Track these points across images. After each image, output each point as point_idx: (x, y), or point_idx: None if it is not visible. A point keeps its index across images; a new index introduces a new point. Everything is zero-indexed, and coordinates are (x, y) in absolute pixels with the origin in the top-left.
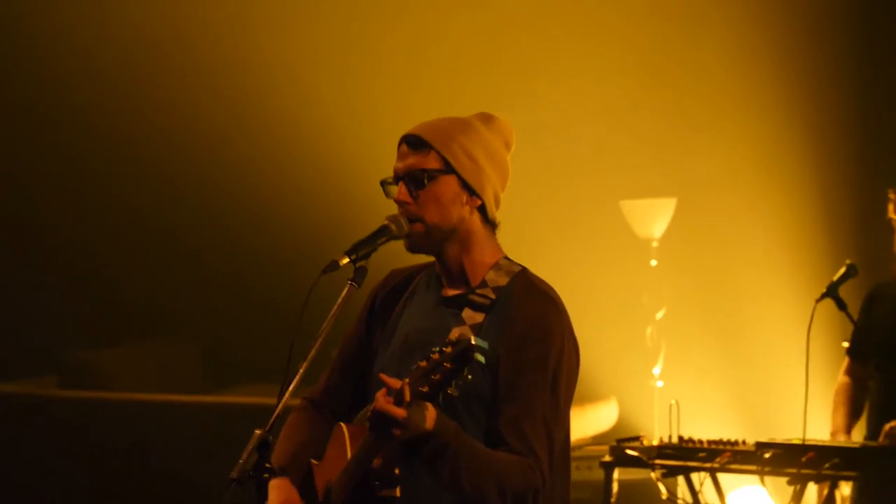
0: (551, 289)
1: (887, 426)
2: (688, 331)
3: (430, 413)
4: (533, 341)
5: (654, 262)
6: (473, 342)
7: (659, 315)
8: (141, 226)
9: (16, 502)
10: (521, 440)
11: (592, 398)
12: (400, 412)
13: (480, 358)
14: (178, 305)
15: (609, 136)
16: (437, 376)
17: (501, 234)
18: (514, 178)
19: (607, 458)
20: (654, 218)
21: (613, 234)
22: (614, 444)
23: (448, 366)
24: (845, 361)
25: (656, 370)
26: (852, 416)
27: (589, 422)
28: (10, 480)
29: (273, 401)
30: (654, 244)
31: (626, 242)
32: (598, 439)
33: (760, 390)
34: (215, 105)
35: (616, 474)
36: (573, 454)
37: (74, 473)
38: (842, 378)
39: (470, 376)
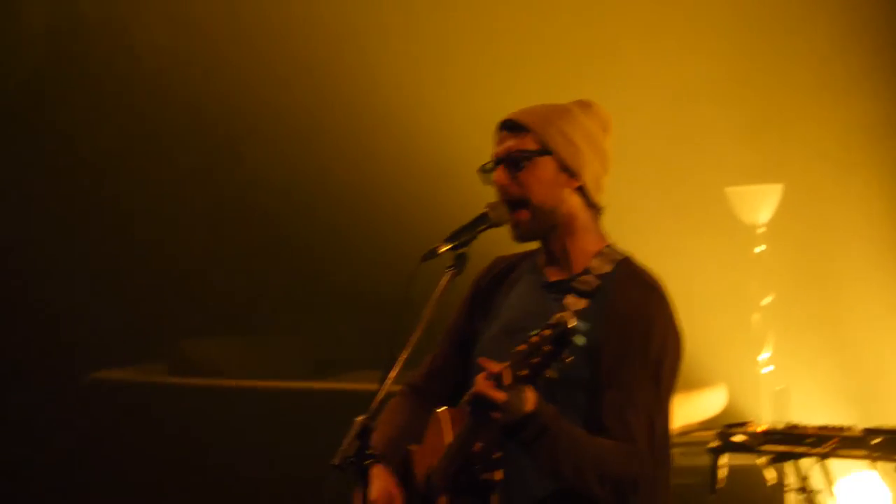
0: (655, 278)
1: None
2: (795, 317)
3: (530, 396)
4: (636, 330)
5: (760, 249)
6: (572, 324)
7: (765, 301)
8: (249, 220)
9: (125, 488)
10: (623, 428)
11: (700, 384)
12: (499, 395)
13: (579, 340)
14: (286, 295)
15: (714, 121)
16: (537, 359)
17: (606, 221)
18: (618, 165)
19: (714, 444)
20: (759, 204)
21: (719, 220)
22: (721, 429)
23: (547, 348)
24: None
25: (763, 356)
26: None
27: (696, 408)
28: (120, 467)
29: (373, 386)
30: (761, 230)
31: (732, 229)
32: (706, 425)
33: (869, 376)
34: (318, 100)
35: (723, 460)
36: (680, 440)
37: (183, 459)
38: None
39: (569, 359)
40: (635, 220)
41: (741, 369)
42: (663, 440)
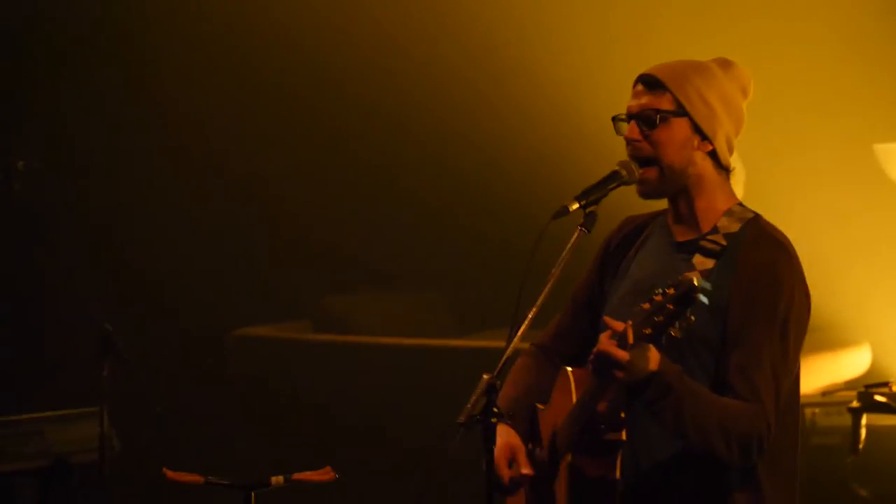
0: (784, 236)
1: None
2: None
3: (654, 355)
4: (763, 289)
5: None
6: (696, 283)
7: None
8: (388, 181)
9: (266, 442)
10: (749, 387)
11: (845, 343)
12: (622, 354)
13: (704, 299)
14: (425, 254)
15: (863, 76)
16: (661, 318)
17: (755, 182)
18: (767, 123)
19: (855, 404)
20: None
21: (867, 177)
22: (862, 389)
23: (671, 307)
24: None
25: None
26: None
27: (841, 367)
28: (263, 421)
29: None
30: None
31: (880, 186)
32: (850, 385)
33: None
34: (450, 51)
35: (864, 420)
36: (823, 400)
37: (325, 415)
38: None
39: (693, 318)
40: (782, 178)
41: (888, 328)
42: (790, 399)
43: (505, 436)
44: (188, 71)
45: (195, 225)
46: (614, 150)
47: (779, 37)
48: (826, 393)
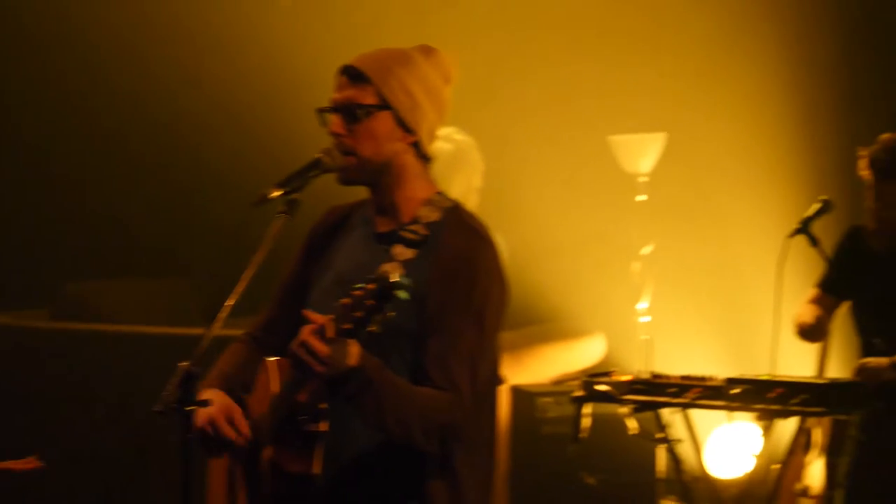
0: (481, 224)
1: (858, 364)
2: (674, 266)
3: (354, 349)
4: (459, 277)
5: (642, 198)
6: (394, 279)
7: (645, 251)
8: (131, 168)
9: (6, 434)
10: (446, 375)
11: (579, 333)
12: (322, 348)
13: (403, 295)
14: (170, 241)
15: (597, 70)
16: (360, 313)
17: (495, 171)
18: (502, 114)
19: (578, 393)
20: (642, 153)
21: (601, 169)
22: (585, 378)
23: (370, 302)
24: (812, 291)
25: (642, 305)
26: (823, 314)
27: (575, 357)
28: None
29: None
30: (642, 179)
31: (614, 178)
32: (584, 374)
33: (742, 326)
34: (189, 44)
35: (587, 409)
36: (554, 389)
37: (64, 404)
38: (806, 303)
39: (393, 313)
40: (517, 169)
41: (620, 318)
42: (487, 385)
43: (220, 399)
44: None
45: None
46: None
47: (512, 31)
48: (558, 382)
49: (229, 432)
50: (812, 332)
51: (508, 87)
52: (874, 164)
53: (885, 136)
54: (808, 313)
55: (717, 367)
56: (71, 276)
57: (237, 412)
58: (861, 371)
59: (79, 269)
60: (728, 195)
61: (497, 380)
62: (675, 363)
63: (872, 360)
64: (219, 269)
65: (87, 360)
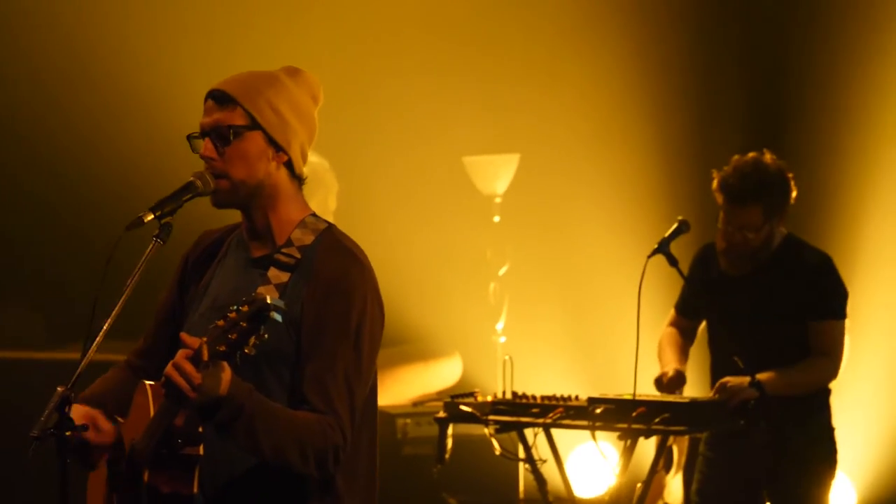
0: (356, 246)
1: (718, 382)
2: (530, 287)
3: (226, 377)
4: (335, 299)
5: (497, 219)
6: (268, 301)
7: (502, 271)
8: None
9: None
10: (323, 398)
11: (437, 354)
12: (194, 374)
13: (277, 317)
14: (13, 263)
15: (451, 92)
16: (234, 335)
17: (348, 191)
18: (358, 135)
19: (441, 414)
20: (497, 174)
21: (457, 190)
22: (448, 399)
23: (244, 325)
24: (671, 314)
25: (499, 326)
26: (681, 355)
27: (433, 377)
28: None
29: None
30: (497, 200)
31: (470, 199)
32: (442, 395)
33: (599, 346)
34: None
35: (451, 430)
36: (414, 410)
37: None
38: (666, 329)
39: (267, 335)
40: (375, 189)
41: (478, 339)
42: (365, 407)
43: (80, 409)
44: None
45: None
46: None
47: (364, 51)
48: (417, 403)
49: (91, 437)
50: (671, 383)
51: (361, 108)
52: (724, 188)
53: (736, 158)
54: (667, 356)
55: (574, 387)
56: None
57: (98, 416)
58: (722, 389)
59: None
60: (583, 215)
61: (375, 403)
62: (534, 383)
63: (733, 379)
64: (65, 292)
65: None
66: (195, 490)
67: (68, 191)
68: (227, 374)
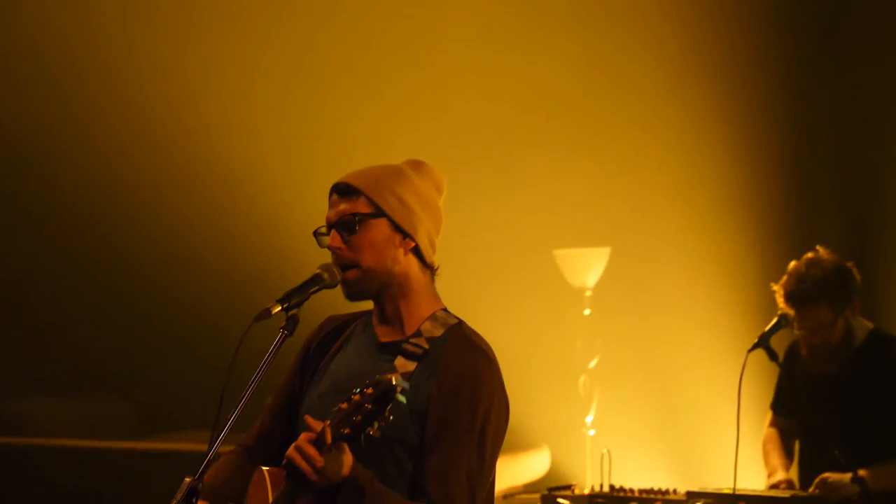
0: (485, 343)
1: (818, 478)
2: (621, 380)
3: (347, 459)
4: (462, 395)
5: (587, 312)
6: (394, 382)
7: (592, 364)
8: (70, 272)
9: None
10: (444, 493)
11: (524, 447)
12: (317, 456)
13: (402, 399)
14: (111, 357)
15: (543, 183)
16: (359, 417)
17: (438, 284)
18: (447, 226)
19: None
20: (587, 267)
21: (547, 283)
22: (546, 492)
23: (369, 407)
24: (769, 415)
25: (589, 419)
26: (786, 457)
27: (520, 470)
28: None
29: (204, 447)
30: (588, 293)
31: (560, 291)
32: (530, 488)
33: (692, 440)
34: (145, 148)
35: None
36: (505, 503)
37: None
38: (767, 430)
39: (392, 417)
40: (464, 281)
41: (567, 431)
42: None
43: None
44: None
45: None
46: (320, 255)
47: (471, 144)
48: (507, 496)
49: None
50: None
51: (453, 201)
52: (789, 297)
53: (792, 265)
54: (772, 461)
55: (667, 482)
56: (7, 392)
57: None
58: (822, 485)
59: (14, 385)
60: (674, 308)
61: (493, 500)
62: (625, 477)
63: (833, 475)
64: (154, 385)
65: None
66: None
67: (161, 284)
68: (348, 457)
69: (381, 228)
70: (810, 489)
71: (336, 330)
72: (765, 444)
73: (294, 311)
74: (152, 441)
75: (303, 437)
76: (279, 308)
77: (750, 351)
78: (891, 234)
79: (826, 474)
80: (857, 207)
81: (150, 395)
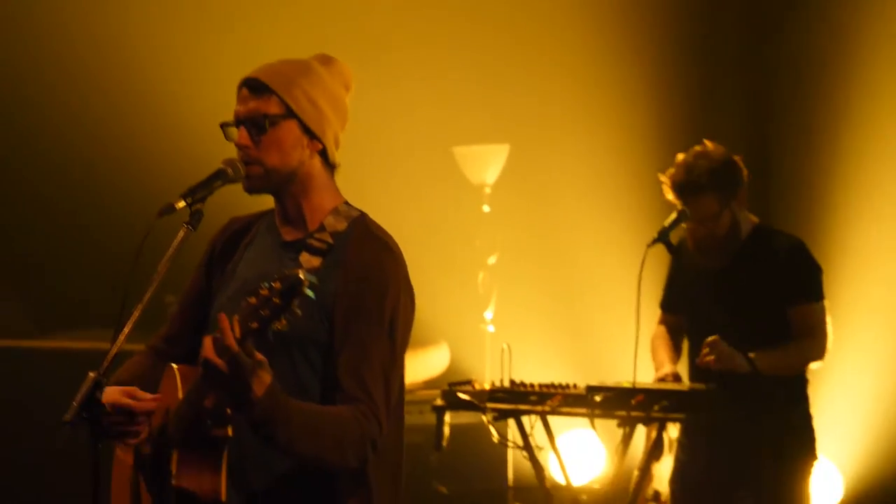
0: (389, 235)
1: (710, 338)
2: (520, 277)
3: (266, 377)
4: (369, 288)
5: (486, 208)
6: (301, 276)
7: (491, 260)
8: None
9: None
10: (360, 386)
11: (424, 343)
12: (232, 342)
13: (310, 293)
14: (5, 251)
15: (442, 81)
16: (266, 311)
17: (336, 179)
18: (348, 122)
19: (439, 402)
20: (486, 164)
21: (446, 179)
22: (446, 388)
23: (277, 301)
24: (658, 314)
25: (488, 315)
26: (674, 352)
27: (421, 366)
28: None
29: (106, 346)
30: (487, 190)
31: (459, 188)
32: (430, 384)
33: (592, 335)
34: (67, 47)
35: (448, 418)
36: (406, 398)
37: None
38: (656, 327)
39: (300, 312)
40: (363, 177)
41: (466, 327)
42: (399, 396)
43: (114, 388)
44: None
45: None
46: (223, 147)
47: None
48: (408, 392)
49: (135, 405)
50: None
51: (353, 97)
52: (674, 186)
53: (680, 156)
54: (659, 356)
55: (567, 376)
56: None
57: (135, 390)
58: (714, 345)
59: None
60: (573, 205)
61: (403, 392)
62: (525, 372)
63: (726, 344)
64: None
65: None
66: (223, 471)
67: (62, 179)
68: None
69: (290, 130)
70: (703, 352)
71: (240, 232)
72: (653, 341)
73: (198, 206)
74: (51, 339)
75: (209, 338)
76: (183, 203)
77: (650, 246)
78: (791, 131)
79: (716, 337)
80: (760, 105)
81: (48, 292)
